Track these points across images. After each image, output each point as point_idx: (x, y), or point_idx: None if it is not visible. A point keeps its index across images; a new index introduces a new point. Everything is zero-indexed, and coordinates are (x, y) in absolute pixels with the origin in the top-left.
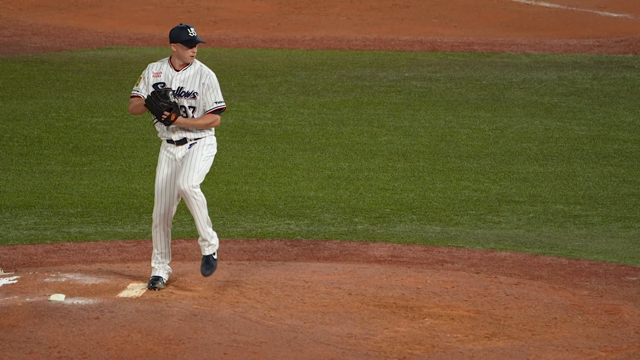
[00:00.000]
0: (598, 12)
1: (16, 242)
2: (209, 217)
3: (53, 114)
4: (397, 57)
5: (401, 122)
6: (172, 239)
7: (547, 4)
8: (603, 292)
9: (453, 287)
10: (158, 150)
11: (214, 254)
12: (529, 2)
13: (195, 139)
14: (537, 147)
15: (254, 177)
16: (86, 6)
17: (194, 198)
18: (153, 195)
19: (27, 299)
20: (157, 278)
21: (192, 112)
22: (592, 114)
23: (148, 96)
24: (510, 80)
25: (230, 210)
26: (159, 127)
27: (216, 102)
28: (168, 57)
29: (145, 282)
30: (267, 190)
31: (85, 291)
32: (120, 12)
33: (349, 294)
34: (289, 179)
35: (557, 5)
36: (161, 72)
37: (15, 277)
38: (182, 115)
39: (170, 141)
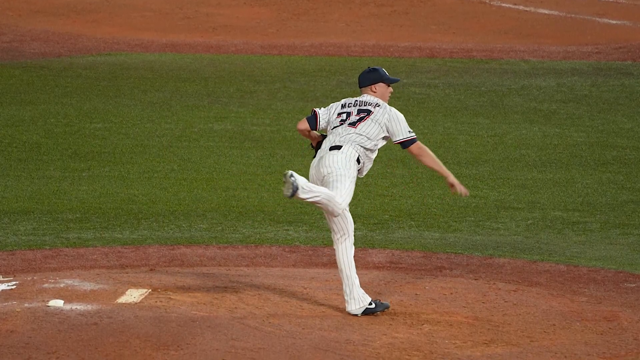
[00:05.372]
0: (597, 19)
1: (15, 247)
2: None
3: (52, 120)
4: (396, 63)
5: None
6: (171, 245)
7: (545, 11)
8: (601, 299)
9: (451, 293)
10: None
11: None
12: (527, 9)
13: None
14: (535, 153)
15: (253, 183)
16: (85, 12)
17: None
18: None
19: (26, 305)
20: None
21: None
22: (590, 121)
23: None
24: (509, 86)
25: (229, 216)
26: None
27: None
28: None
29: (143, 287)
30: (265, 197)
31: (83, 297)
32: (119, 18)
33: None
34: None
35: (556, 12)
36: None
37: (14, 282)
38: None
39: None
